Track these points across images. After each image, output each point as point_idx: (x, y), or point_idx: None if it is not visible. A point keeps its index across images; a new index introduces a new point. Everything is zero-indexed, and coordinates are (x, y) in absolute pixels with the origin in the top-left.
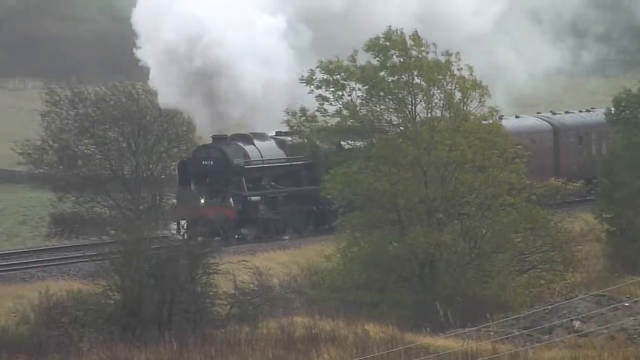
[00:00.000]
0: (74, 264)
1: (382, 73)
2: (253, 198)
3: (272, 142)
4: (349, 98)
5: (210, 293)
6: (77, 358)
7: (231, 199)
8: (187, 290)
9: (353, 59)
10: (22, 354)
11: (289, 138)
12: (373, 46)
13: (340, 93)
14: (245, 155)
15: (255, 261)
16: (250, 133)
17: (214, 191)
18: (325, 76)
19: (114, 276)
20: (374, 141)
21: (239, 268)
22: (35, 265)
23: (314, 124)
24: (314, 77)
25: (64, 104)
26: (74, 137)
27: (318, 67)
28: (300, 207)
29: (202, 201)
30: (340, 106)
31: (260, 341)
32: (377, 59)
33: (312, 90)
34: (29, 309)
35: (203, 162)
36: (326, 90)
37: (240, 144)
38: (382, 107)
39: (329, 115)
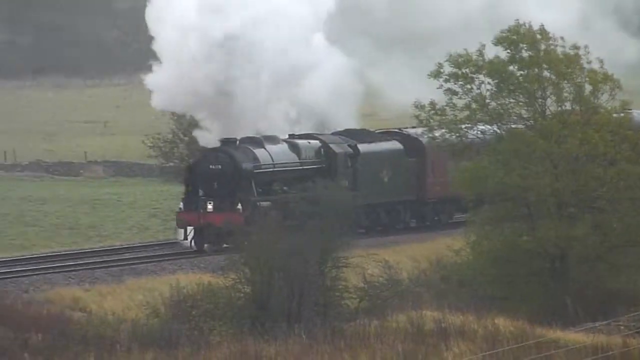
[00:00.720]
0: (204, 257)
1: (511, 67)
2: (263, 203)
3: (284, 146)
4: (478, 91)
5: (340, 286)
6: (207, 351)
7: (240, 205)
8: (316, 284)
9: (481, 53)
10: (153, 347)
11: (304, 141)
12: (502, 40)
13: (469, 86)
14: (255, 159)
15: (385, 255)
16: (262, 136)
17: (222, 196)
18: (453, 70)
19: (243, 269)
20: (504, 135)
21: (368, 261)
22: (166, 258)
23: (444, 117)
24: (441, 71)
25: None
26: None
27: (447, 60)
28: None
29: (210, 207)
30: (469, 99)
31: (390, 335)
32: (507, 52)
33: (441, 85)
34: (160, 302)
35: (211, 167)
36: (455, 84)
37: (250, 147)
38: (512, 100)
39: (457, 109)
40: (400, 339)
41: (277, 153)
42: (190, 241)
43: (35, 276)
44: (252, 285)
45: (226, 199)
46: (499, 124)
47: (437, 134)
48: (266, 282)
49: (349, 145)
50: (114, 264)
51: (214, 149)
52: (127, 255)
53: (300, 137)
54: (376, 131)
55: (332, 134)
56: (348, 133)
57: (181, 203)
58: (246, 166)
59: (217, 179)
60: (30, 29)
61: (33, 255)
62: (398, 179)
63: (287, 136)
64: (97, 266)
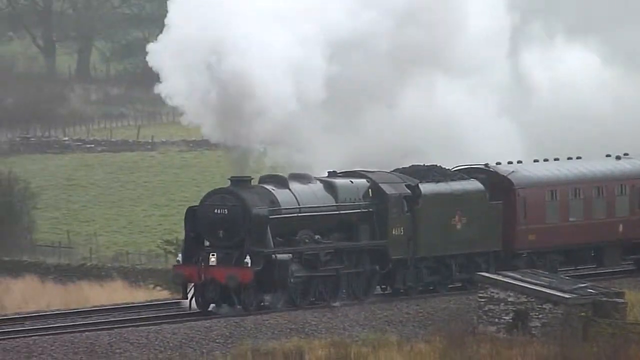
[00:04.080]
0: None
1: None
2: (280, 256)
3: (318, 185)
4: None
5: None
6: None
7: (248, 257)
8: None
9: None
10: None
11: (344, 180)
12: None
13: None
14: (273, 201)
15: None
16: (289, 174)
17: (229, 247)
18: None
19: None
20: None
21: None
22: None
23: None
24: None
25: None
26: None
27: None
28: (357, 266)
29: (213, 259)
30: None
31: None
32: None
33: None
34: None
35: (215, 211)
36: None
37: (268, 187)
38: None
39: None
40: None
41: (305, 194)
42: (190, 300)
43: None
44: None
45: (234, 250)
46: None
47: None
48: None
49: (407, 186)
50: None
51: (220, 190)
52: None
53: (345, 175)
54: (454, 168)
55: (392, 171)
56: (412, 170)
57: (179, 254)
58: (258, 211)
59: (222, 226)
60: None
61: None
62: (476, 225)
63: (326, 174)
64: None
